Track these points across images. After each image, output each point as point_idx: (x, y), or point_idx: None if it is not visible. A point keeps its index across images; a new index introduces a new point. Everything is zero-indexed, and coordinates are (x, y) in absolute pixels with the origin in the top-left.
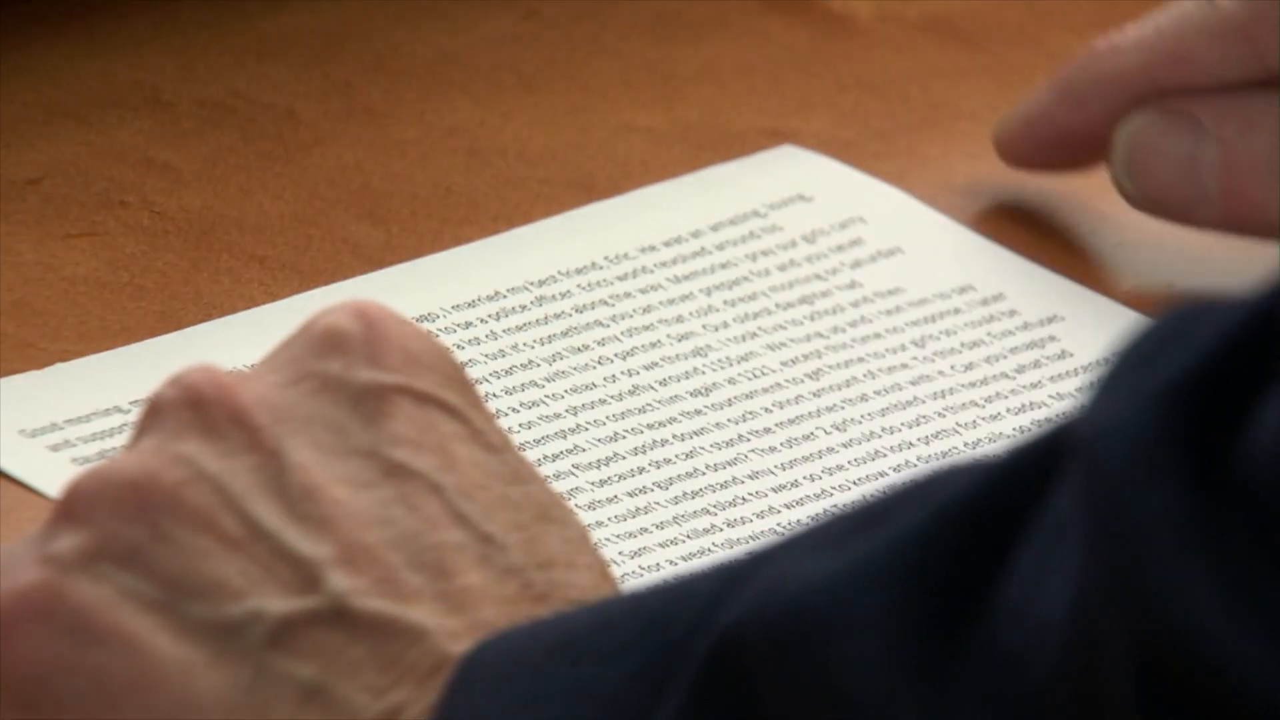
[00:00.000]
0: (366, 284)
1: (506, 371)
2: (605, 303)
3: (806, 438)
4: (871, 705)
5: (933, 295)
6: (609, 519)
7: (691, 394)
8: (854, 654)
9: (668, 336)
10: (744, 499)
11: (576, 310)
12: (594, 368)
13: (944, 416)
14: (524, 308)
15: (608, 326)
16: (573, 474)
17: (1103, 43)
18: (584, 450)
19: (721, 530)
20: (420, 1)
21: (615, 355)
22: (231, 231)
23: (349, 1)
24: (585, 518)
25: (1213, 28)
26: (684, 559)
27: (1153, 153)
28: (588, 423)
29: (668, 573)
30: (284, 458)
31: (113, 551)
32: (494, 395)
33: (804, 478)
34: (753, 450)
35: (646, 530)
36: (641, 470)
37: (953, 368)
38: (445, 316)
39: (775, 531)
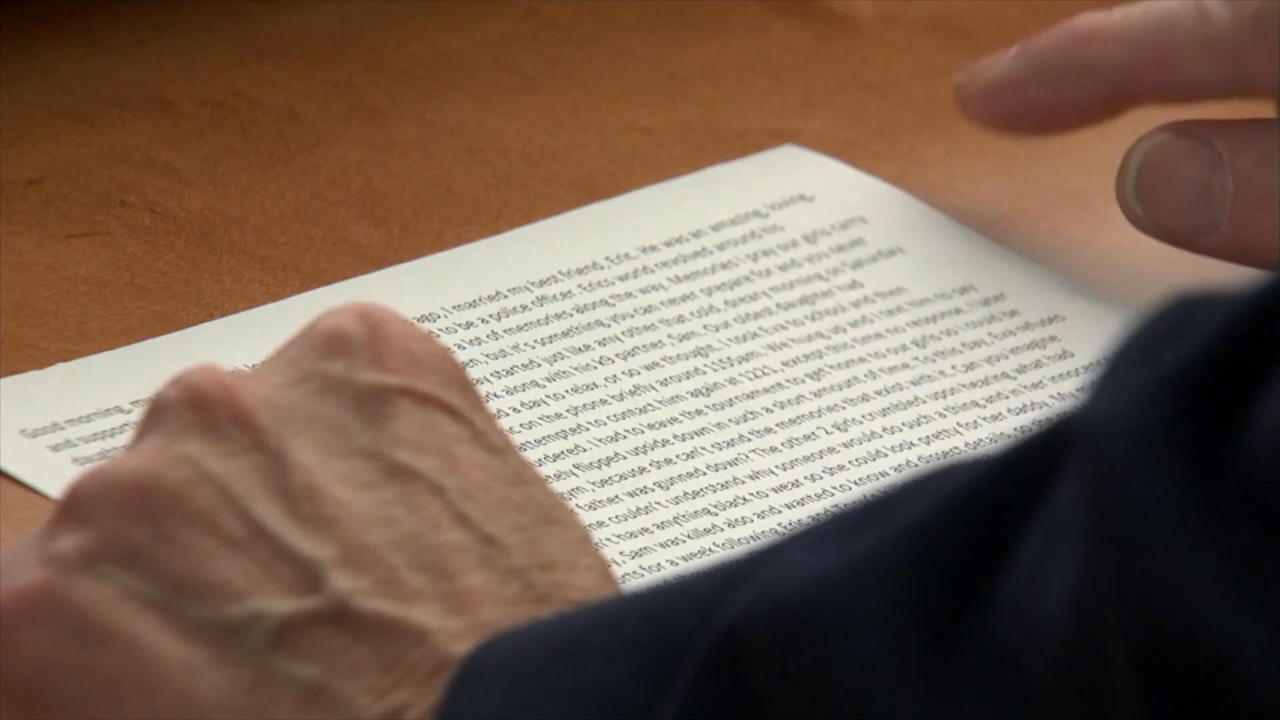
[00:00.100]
0: (367, 284)
1: (508, 371)
2: (606, 303)
3: (808, 438)
4: (873, 699)
5: (934, 295)
6: (610, 519)
7: (692, 394)
8: (855, 648)
9: (669, 336)
10: (745, 499)
11: (577, 310)
12: (595, 368)
13: (945, 416)
14: (525, 308)
15: (609, 326)
16: (574, 474)
17: (1084, 25)
18: (585, 450)
19: (723, 530)
20: (421, 1)
21: (616, 355)
22: (233, 231)
23: (350, 2)
24: (586, 518)
25: (1202, 40)
26: (685, 559)
27: (1165, 177)
28: (589, 423)
29: (669, 573)
30: (286, 458)
31: (115, 552)
32: (495, 395)
33: (805, 478)
34: (754, 450)
35: (647, 530)
36: (642, 470)
37: (954, 368)
38: (446, 316)
39: (776, 531)
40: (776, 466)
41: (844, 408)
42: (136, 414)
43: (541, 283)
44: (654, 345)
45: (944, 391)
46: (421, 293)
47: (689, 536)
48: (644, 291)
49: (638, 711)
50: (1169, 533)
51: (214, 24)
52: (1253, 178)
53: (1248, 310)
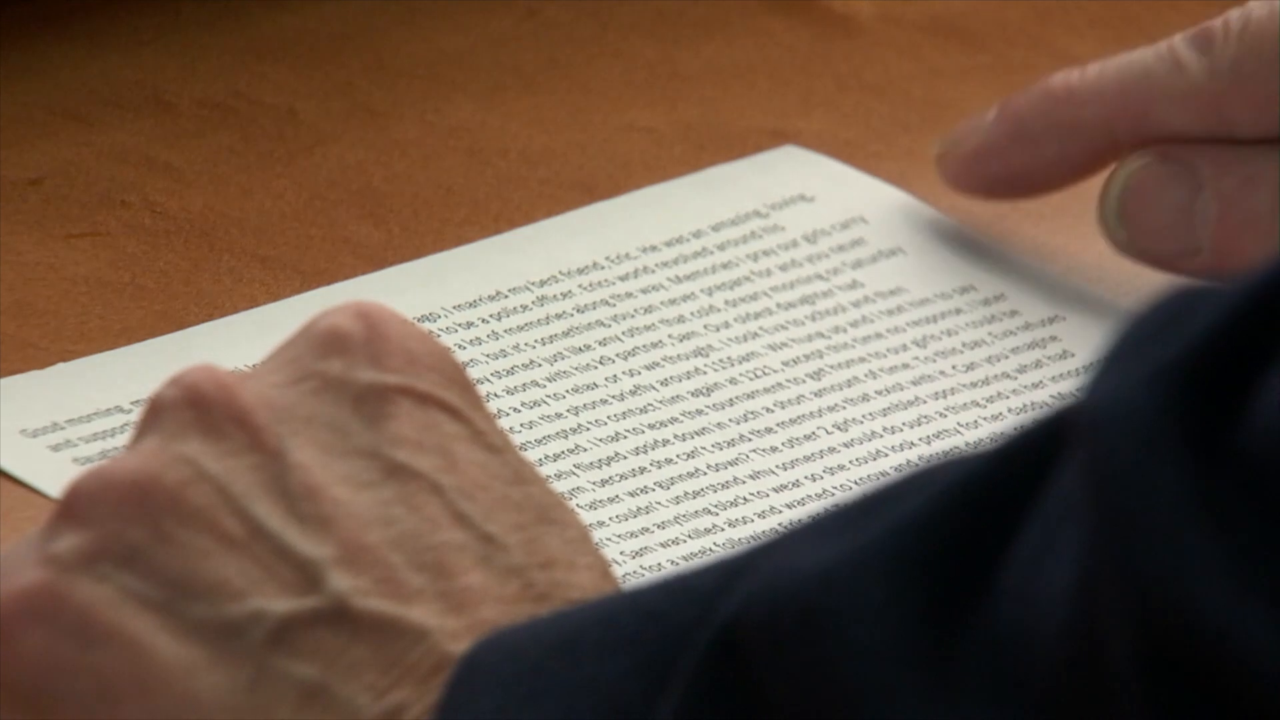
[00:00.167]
0: (368, 284)
1: (508, 371)
2: (607, 302)
3: (808, 438)
4: (874, 690)
5: (934, 295)
6: (610, 519)
7: (693, 394)
8: (855, 640)
9: (669, 336)
10: (745, 499)
11: (578, 310)
12: (595, 367)
13: (945, 416)
14: (525, 307)
15: (609, 326)
16: (574, 474)
17: (1059, 85)
18: (585, 450)
19: (723, 530)
20: (421, 1)
21: (617, 355)
22: (233, 231)
23: (350, 2)
24: (587, 517)
25: (1180, 91)
26: (685, 559)
27: (1148, 201)
28: (589, 422)
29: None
30: (285, 458)
31: (114, 552)
32: (495, 395)
33: (805, 478)
34: (754, 450)
35: (648, 530)
36: (643, 470)
37: (954, 368)
38: (446, 316)
39: (776, 530)
40: (777, 466)
41: (844, 408)
42: (137, 414)
43: (542, 283)
44: (654, 345)
45: (944, 391)
46: (422, 292)
47: (689, 536)
48: (644, 291)
49: (638, 706)
50: (1169, 520)
51: (214, 24)
52: (1235, 201)
53: (1246, 300)
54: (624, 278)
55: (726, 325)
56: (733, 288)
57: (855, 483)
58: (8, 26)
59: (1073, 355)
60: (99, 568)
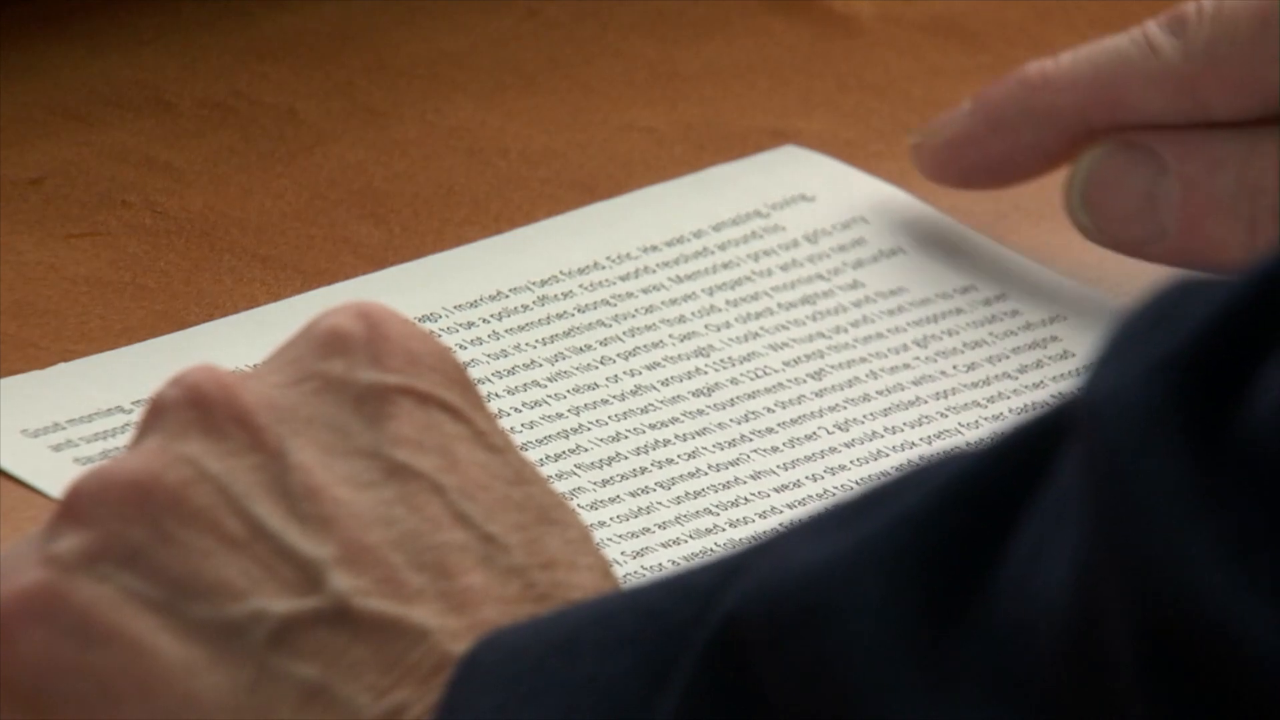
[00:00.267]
0: (368, 284)
1: (509, 371)
2: (607, 302)
3: (809, 438)
4: (873, 685)
5: (935, 295)
6: (611, 519)
7: (694, 394)
8: (855, 634)
9: (670, 336)
10: (746, 499)
11: (579, 310)
12: (596, 367)
13: (946, 416)
14: (526, 307)
15: (610, 326)
16: (575, 474)
17: (1034, 73)
18: (586, 450)
19: (724, 530)
20: (422, 1)
21: (617, 355)
22: (233, 231)
23: (351, 2)
24: (588, 517)
25: (1154, 75)
26: (686, 559)
27: (1112, 187)
28: (590, 422)
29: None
30: (286, 458)
31: (115, 552)
32: (496, 395)
33: (806, 478)
34: (755, 450)
35: (649, 530)
36: (644, 470)
37: (955, 368)
38: (447, 316)
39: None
40: (778, 466)
41: (845, 408)
42: (138, 414)
43: (543, 282)
44: (655, 345)
45: (945, 391)
46: (422, 292)
47: (690, 536)
48: (645, 291)
49: (638, 704)
50: (1168, 511)
51: (214, 24)
52: (1199, 184)
53: (1245, 292)
54: (625, 277)
55: (727, 325)
56: (734, 287)
57: (856, 483)
58: (8, 26)
59: (1073, 355)
60: (100, 568)
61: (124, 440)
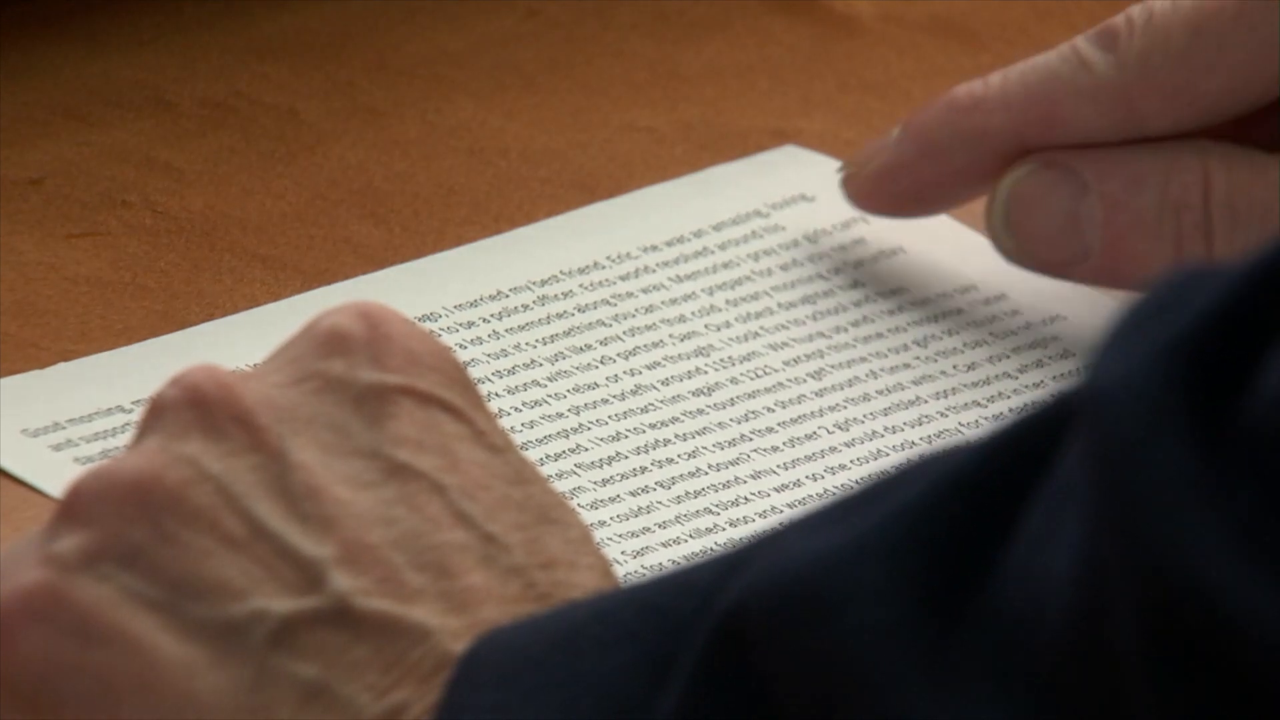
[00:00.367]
0: (369, 284)
1: (509, 371)
2: (608, 302)
3: (809, 437)
4: (878, 674)
5: (935, 295)
6: (611, 518)
7: (694, 393)
8: (859, 624)
9: (670, 336)
10: (746, 499)
11: (579, 310)
12: (596, 367)
13: (947, 416)
14: (526, 307)
15: (610, 326)
16: (575, 473)
17: (963, 96)
18: (586, 450)
19: (724, 530)
20: (422, 1)
21: (618, 355)
22: (234, 231)
23: (351, 1)
24: (588, 517)
25: (1088, 91)
26: (687, 559)
27: (1034, 208)
28: (590, 422)
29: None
30: (286, 458)
31: (115, 552)
32: (496, 395)
33: (806, 477)
34: (755, 450)
35: (649, 530)
36: (644, 470)
37: (955, 367)
38: (448, 316)
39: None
40: (778, 466)
41: (846, 407)
42: (138, 413)
43: (543, 282)
44: (655, 345)
45: (946, 391)
46: (423, 292)
47: (691, 536)
48: (645, 291)
49: (639, 700)
50: (1174, 496)
51: (215, 24)
52: (1120, 203)
53: (1249, 277)
54: (625, 277)
55: (728, 325)
56: (734, 287)
57: (857, 483)
58: (8, 26)
59: (1073, 355)
60: (100, 568)
61: (124, 440)
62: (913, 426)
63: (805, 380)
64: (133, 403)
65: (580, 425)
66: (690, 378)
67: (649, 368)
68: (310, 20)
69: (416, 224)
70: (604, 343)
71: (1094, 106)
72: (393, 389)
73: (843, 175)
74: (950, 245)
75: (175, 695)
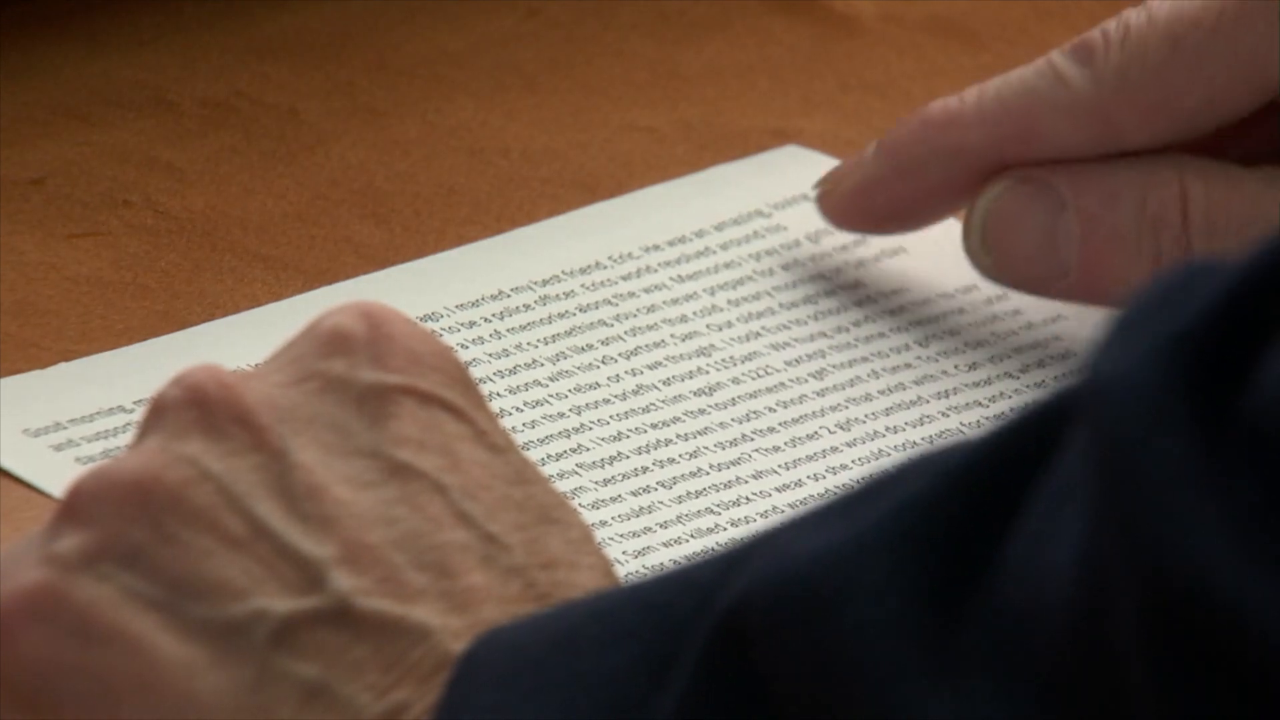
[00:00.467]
0: (369, 283)
1: (510, 371)
2: (609, 302)
3: (810, 437)
4: (879, 670)
5: (936, 295)
6: (613, 518)
7: (695, 393)
8: (859, 621)
9: (671, 336)
10: (748, 499)
11: (580, 310)
12: (598, 367)
13: (948, 416)
14: (528, 307)
15: (611, 326)
16: (576, 473)
17: (938, 112)
18: (588, 450)
19: (725, 530)
20: (423, 1)
21: (619, 355)
22: (235, 231)
23: (352, 1)
24: (589, 517)
25: (1065, 105)
26: (688, 559)
27: (1012, 225)
28: (591, 422)
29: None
30: (287, 458)
31: (116, 551)
32: (498, 395)
33: (808, 477)
34: (757, 450)
35: (650, 530)
36: (645, 470)
37: (957, 367)
38: (449, 316)
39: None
40: (779, 466)
41: (847, 407)
42: (139, 413)
43: (544, 282)
44: (657, 345)
45: (947, 391)
46: (424, 292)
47: (692, 536)
48: (647, 291)
49: (639, 699)
50: (1176, 491)
51: (215, 23)
52: (1097, 219)
53: (1250, 272)
54: (626, 277)
55: (729, 325)
56: (735, 287)
57: (858, 482)
58: (8, 26)
59: (1074, 355)
60: (101, 567)
61: (125, 440)
62: (914, 426)
63: (807, 380)
64: (134, 403)
65: (582, 425)
66: (692, 377)
67: (650, 367)
68: (311, 20)
69: (417, 224)
70: (605, 342)
71: (1071, 122)
72: (394, 389)
73: (817, 193)
74: (951, 245)
75: (176, 695)
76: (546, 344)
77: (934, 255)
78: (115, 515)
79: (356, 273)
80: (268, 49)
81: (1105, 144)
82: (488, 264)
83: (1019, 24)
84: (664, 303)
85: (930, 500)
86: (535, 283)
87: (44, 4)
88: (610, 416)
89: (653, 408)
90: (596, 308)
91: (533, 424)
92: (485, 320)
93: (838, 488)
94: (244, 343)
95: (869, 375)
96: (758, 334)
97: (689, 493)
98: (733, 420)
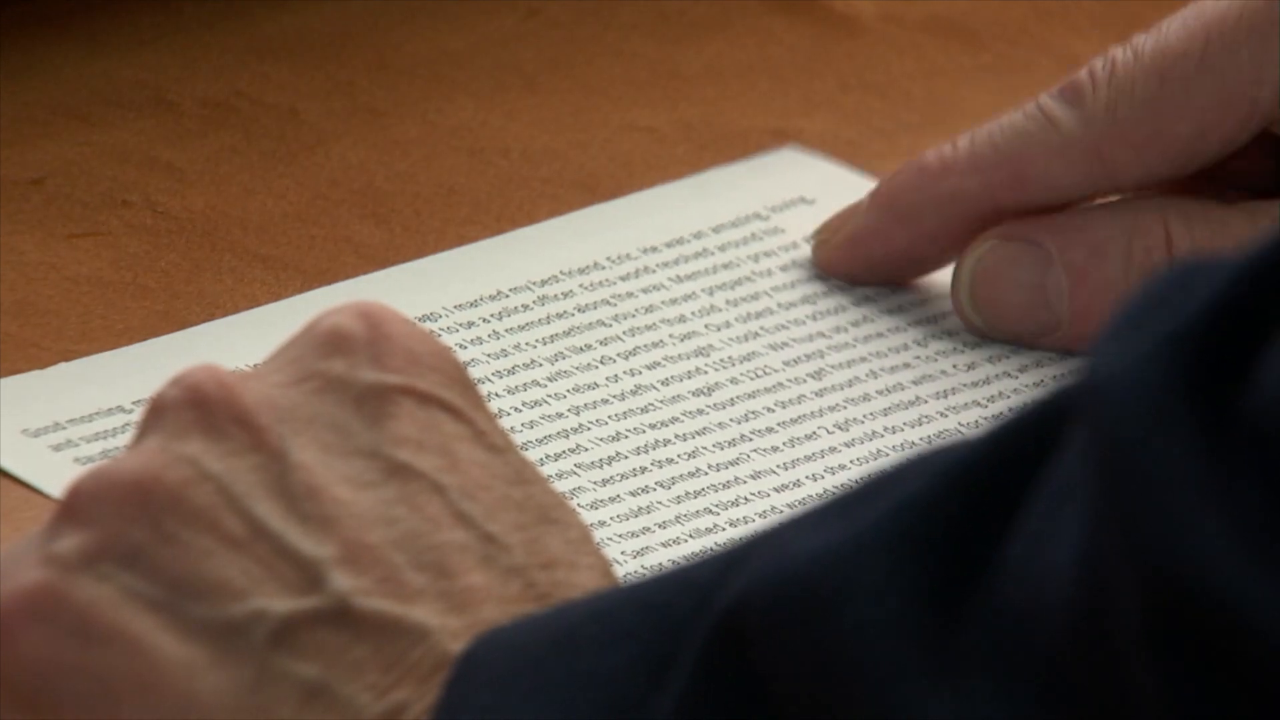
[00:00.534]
0: (369, 283)
1: (509, 371)
2: (608, 302)
3: (809, 437)
4: (879, 670)
5: (935, 295)
6: (611, 519)
7: (694, 394)
8: (859, 622)
9: (670, 336)
10: (746, 499)
11: (579, 310)
12: (596, 367)
13: (946, 416)
14: (526, 307)
15: (610, 326)
16: (575, 473)
17: (933, 161)
18: (586, 450)
19: (724, 530)
20: (423, 1)
21: (618, 355)
22: (234, 231)
23: (352, 1)
24: (588, 517)
25: (1057, 147)
26: (687, 559)
27: (999, 283)
28: (590, 422)
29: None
30: (287, 458)
31: (115, 552)
32: (497, 395)
33: (806, 477)
34: (755, 450)
35: (649, 530)
36: (644, 470)
37: (955, 367)
38: (448, 316)
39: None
40: (778, 466)
41: (845, 407)
42: (138, 413)
43: (543, 282)
44: (655, 345)
45: (945, 391)
46: (423, 292)
47: (690, 536)
48: (645, 291)
49: (637, 699)
50: (1176, 491)
51: (215, 23)
52: (1085, 272)
53: (1248, 271)
54: (625, 278)
55: (727, 325)
56: (733, 287)
57: (857, 483)
58: (8, 26)
59: (1072, 355)
60: (100, 568)
61: (124, 440)
62: (912, 426)
63: (805, 380)
64: (133, 403)
65: (580, 425)
66: (690, 378)
67: (649, 368)
68: (311, 20)
69: (417, 224)
70: (604, 343)
71: (1065, 164)
72: (393, 389)
73: (813, 244)
74: None
75: (175, 695)
76: (545, 344)
77: None
78: (115, 515)
79: (356, 273)
80: (268, 49)
81: (1098, 183)
82: (487, 264)
83: (1019, 24)
84: (662, 303)
85: (929, 500)
86: (534, 283)
87: (44, 4)
88: (609, 417)
89: (651, 408)
90: (595, 308)
91: (531, 424)
92: (484, 320)
93: (836, 488)
94: (244, 343)
95: (867, 375)
96: (756, 334)
97: (687, 493)
98: (731, 420)
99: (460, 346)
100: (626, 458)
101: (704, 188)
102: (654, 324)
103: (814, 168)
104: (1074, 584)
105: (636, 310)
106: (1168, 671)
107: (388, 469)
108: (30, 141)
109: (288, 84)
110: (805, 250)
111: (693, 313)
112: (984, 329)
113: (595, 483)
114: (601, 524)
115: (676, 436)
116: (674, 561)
